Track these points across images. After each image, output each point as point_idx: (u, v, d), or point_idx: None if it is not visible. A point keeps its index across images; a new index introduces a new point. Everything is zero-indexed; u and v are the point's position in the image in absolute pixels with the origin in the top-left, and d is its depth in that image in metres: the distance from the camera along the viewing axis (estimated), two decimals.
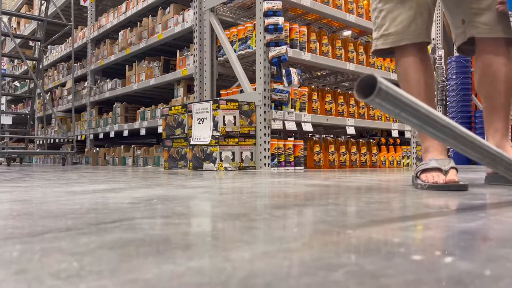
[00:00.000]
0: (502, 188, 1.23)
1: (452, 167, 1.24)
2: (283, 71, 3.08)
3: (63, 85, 6.39)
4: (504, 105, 1.44)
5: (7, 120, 5.68)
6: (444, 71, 5.54)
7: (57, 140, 6.11)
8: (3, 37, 7.43)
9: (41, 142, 6.46)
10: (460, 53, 1.57)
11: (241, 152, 2.84)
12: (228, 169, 2.73)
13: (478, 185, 1.37)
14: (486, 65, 1.44)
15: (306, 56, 3.21)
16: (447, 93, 5.60)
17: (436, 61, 5.44)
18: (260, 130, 2.90)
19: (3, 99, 7.10)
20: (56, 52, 6.48)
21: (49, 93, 6.73)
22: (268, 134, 2.92)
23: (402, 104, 0.61)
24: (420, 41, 1.42)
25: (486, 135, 1.50)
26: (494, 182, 1.39)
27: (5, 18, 6.43)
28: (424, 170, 1.27)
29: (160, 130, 3.78)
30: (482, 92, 1.49)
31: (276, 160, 2.97)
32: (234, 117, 2.81)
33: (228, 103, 2.79)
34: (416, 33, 1.41)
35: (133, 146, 4.60)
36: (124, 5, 4.73)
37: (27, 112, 5.88)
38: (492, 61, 1.44)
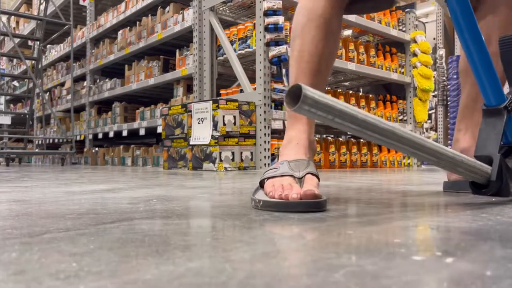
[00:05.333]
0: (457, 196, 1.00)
1: (309, 173, 0.82)
2: (283, 70, 3.08)
3: (62, 84, 6.38)
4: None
5: (6, 120, 5.67)
6: (445, 71, 5.54)
7: (56, 140, 6.11)
8: (2, 37, 7.43)
9: (40, 142, 6.46)
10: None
11: (241, 152, 2.84)
12: (228, 169, 2.73)
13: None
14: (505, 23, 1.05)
15: None
16: (447, 93, 5.60)
17: (437, 60, 5.44)
18: (260, 130, 2.90)
19: (2, 99, 7.10)
20: (55, 52, 6.47)
21: (48, 92, 6.72)
22: (268, 134, 2.92)
23: (333, 109, 0.59)
24: None
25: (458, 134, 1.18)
26: (451, 189, 1.12)
27: (4, 18, 6.43)
28: (272, 178, 0.83)
29: (159, 130, 3.78)
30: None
31: (276, 160, 2.97)
32: (234, 117, 2.81)
33: (228, 102, 2.79)
34: None
35: (132, 146, 4.59)
36: (123, 4, 4.72)
37: (26, 112, 5.87)
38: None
